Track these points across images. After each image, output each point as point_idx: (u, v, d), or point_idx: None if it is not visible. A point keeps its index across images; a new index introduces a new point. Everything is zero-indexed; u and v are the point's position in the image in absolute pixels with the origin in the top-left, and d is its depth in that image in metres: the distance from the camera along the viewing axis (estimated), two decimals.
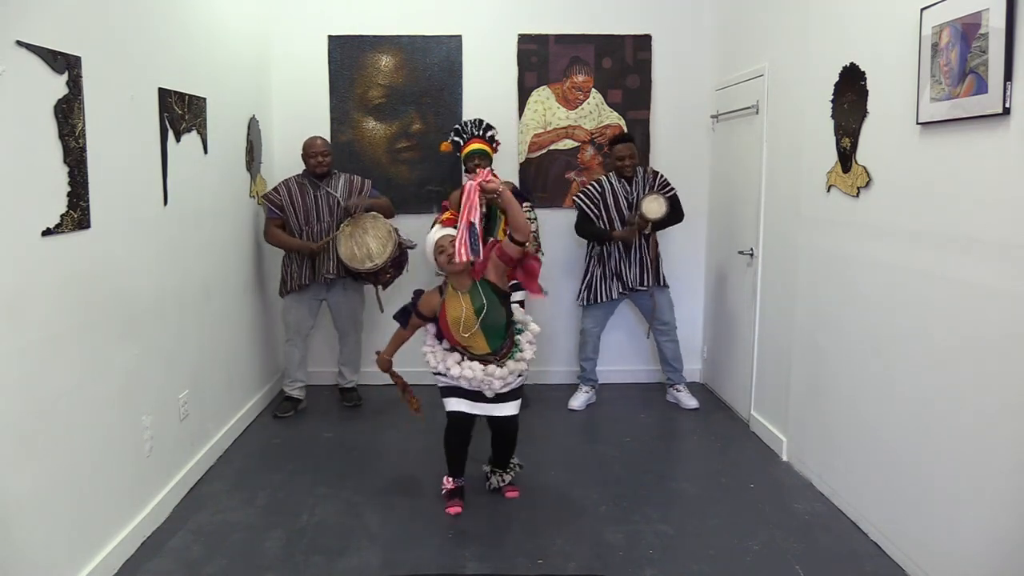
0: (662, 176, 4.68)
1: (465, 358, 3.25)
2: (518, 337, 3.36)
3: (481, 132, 4.47)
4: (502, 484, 3.53)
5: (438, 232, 3.29)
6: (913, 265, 2.83)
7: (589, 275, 4.74)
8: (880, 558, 2.97)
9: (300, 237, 4.50)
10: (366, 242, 4.40)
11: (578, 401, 4.82)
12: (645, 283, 4.64)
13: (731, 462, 3.96)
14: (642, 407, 4.86)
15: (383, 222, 4.46)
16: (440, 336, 3.34)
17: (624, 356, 5.33)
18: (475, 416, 3.36)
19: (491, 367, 3.22)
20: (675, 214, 4.59)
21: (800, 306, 3.78)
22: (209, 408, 3.85)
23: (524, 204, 4.61)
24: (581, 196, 4.68)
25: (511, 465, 3.55)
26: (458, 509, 3.37)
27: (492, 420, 3.38)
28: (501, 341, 3.25)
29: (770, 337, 4.19)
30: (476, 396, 3.31)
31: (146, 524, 3.10)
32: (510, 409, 3.36)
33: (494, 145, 4.52)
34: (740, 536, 3.14)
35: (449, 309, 3.22)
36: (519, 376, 3.35)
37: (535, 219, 4.78)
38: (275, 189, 4.55)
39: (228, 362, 4.17)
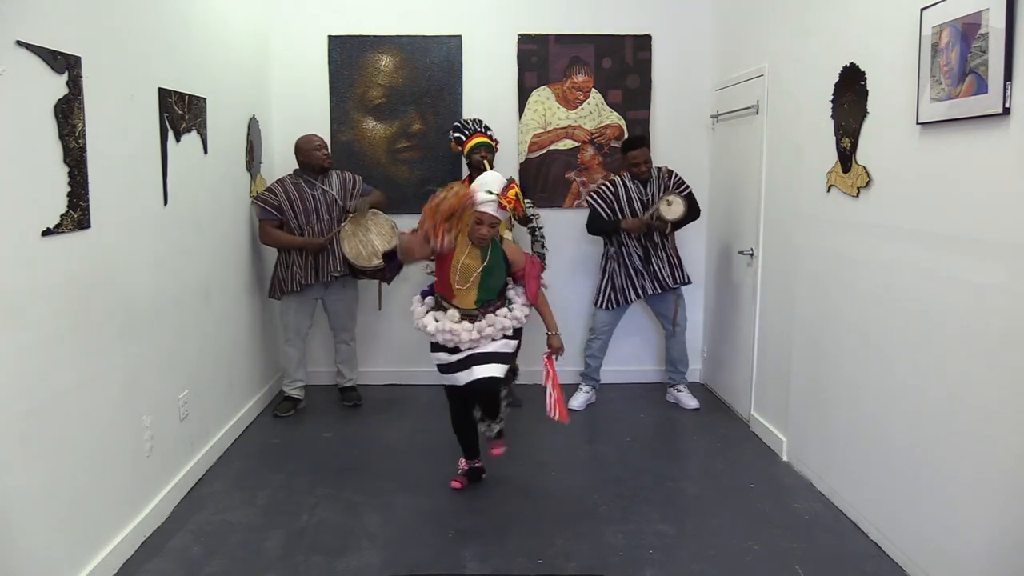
0: (677, 175, 4.66)
1: (443, 314, 3.29)
2: (510, 293, 3.40)
3: (483, 128, 4.63)
4: (490, 435, 3.44)
5: (484, 200, 3.22)
6: (913, 265, 2.83)
7: (608, 276, 4.68)
8: (880, 558, 2.97)
9: (301, 236, 4.47)
10: (370, 240, 4.42)
11: (578, 401, 4.82)
12: (677, 280, 4.63)
13: (731, 462, 3.96)
14: (642, 407, 4.85)
15: (384, 218, 4.47)
16: (426, 293, 3.43)
17: (624, 356, 5.32)
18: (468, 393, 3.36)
19: (464, 323, 3.25)
20: (692, 212, 4.58)
21: (800, 306, 3.78)
22: (209, 408, 3.85)
23: (524, 200, 4.64)
24: (594, 196, 4.66)
25: (500, 417, 3.42)
26: (458, 485, 3.55)
27: (473, 386, 3.30)
28: (488, 299, 3.30)
29: (770, 337, 4.19)
30: (452, 368, 3.31)
31: (146, 524, 3.10)
32: (487, 371, 3.26)
33: (495, 142, 4.64)
34: (740, 536, 3.14)
35: (459, 253, 3.24)
36: (504, 339, 3.32)
37: (538, 215, 4.77)
38: (269, 190, 4.47)
39: (228, 362, 4.17)
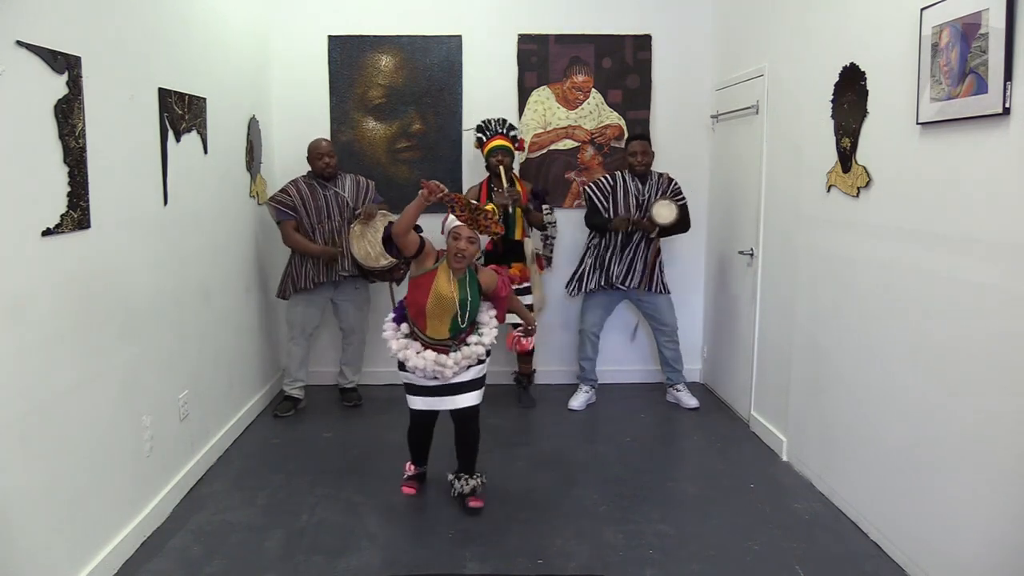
0: (676, 184, 4.66)
1: (422, 348, 3.23)
2: (480, 317, 3.35)
3: (504, 130, 4.63)
4: (464, 491, 3.40)
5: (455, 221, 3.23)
6: (913, 265, 2.83)
7: (582, 265, 4.74)
8: (880, 558, 2.97)
9: (312, 236, 4.50)
10: (378, 240, 4.42)
11: (578, 401, 4.82)
12: (628, 283, 4.61)
13: (731, 462, 3.96)
14: (642, 407, 4.85)
15: (392, 219, 4.47)
16: (399, 320, 3.32)
17: (624, 356, 5.32)
18: (436, 412, 3.38)
19: (442, 356, 3.20)
20: (682, 223, 4.57)
21: (800, 306, 3.78)
22: (209, 408, 3.85)
23: (543, 206, 4.63)
24: (592, 187, 4.67)
25: (476, 474, 3.44)
26: (411, 491, 3.57)
27: (453, 413, 3.35)
28: (460, 331, 3.24)
29: (770, 337, 4.19)
30: (434, 391, 3.29)
31: (146, 524, 3.10)
32: (468, 400, 3.31)
33: (516, 144, 4.65)
34: (740, 536, 3.14)
35: (438, 282, 3.18)
36: (479, 364, 3.31)
37: (554, 223, 4.76)
38: (283, 191, 4.51)
39: (228, 362, 4.17)
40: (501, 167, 4.47)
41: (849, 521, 3.25)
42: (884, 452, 3.02)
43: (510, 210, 4.51)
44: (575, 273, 4.76)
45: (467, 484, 3.40)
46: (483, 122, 4.70)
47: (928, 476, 2.74)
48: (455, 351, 3.22)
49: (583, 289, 4.69)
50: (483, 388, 3.39)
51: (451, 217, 3.23)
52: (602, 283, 4.64)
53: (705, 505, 3.44)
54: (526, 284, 4.67)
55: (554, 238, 4.80)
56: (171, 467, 3.39)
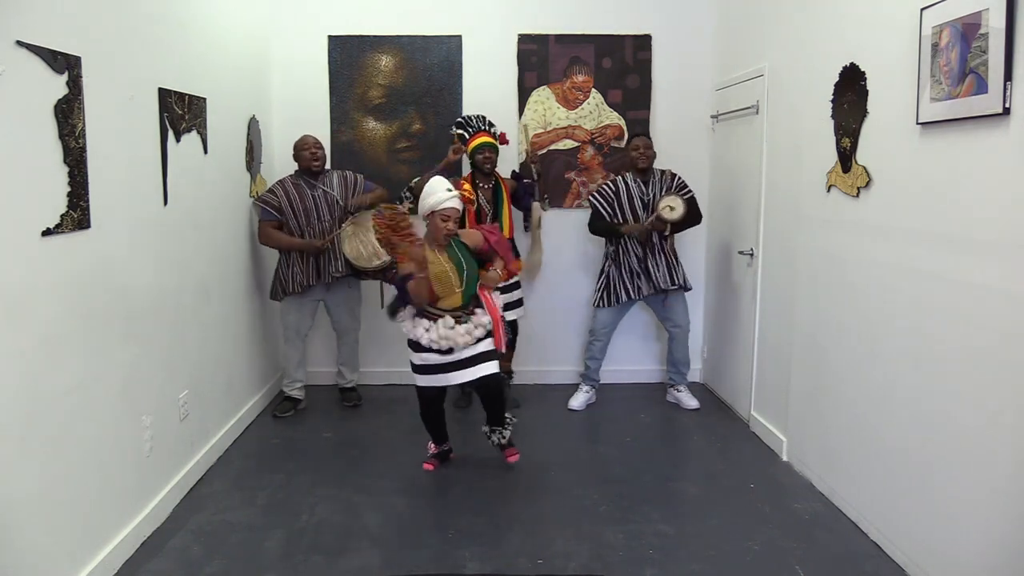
0: (679, 178, 4.64)
1: (432, 324, 3.45)
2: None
3: (487, 127, 4.62)
4: (502, 442, 3.71)
5: (445, 199, 3.44)
6: (913, 265, 2.83)
7: (605, 276, 4.68)
8: (880, 558, 2.97)
9: (302, 237, 4.45)
10: (371, 240, 4.39)
11: (578, 401, 4.82)
12: (675, 282, 4.60)
13: (731, 462, 3.96)
14: (642, 407, 4.85)
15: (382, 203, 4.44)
16: (404, 302, 3.56)
17: (624, 356, 5.32)
18: (443, 389, 3.59)
19: (458, 327, 3.43)
20: (692, 216, 4.56)
21: (800, 306, 3.78)
22: (209, 408, 3.85)
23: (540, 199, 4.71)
24: (596, 195, 4.66)
25: (507, 421, 3.70)
26: (431, 467, 3.78)
27: (477, 388, 3.57)
28: (472, 296, 3.48)
29: (770, 337, 4.19)
30: (443, 368, 3.48)
31: (146, 524, 3.10)
32: (487, 369, 3.51)
33: (499, 139, 4.63)
34: (740, 536, 3.14)
35: (432, 265, 3.45)
36: (489, 336, 3.50)
37: (545, 210, 4.80)
38: (270, 191, 4.47)
39: (228, 362, 4.16)
40: (488, 164, 4.49)
41: (849, 521, 3.25)
42: (884, 452, 3.02)
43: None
44: (601, 285, 4.69)
45: (503, 436, 3.70)
46: (462, 118, 4.67)
47: (928, 476, 2.74)
48: (465, 322, 3.44)
49: (618, 302, 4.63)
50: (496, 359, 3.55)
51: (433, 199, 3.43)
52: (652, 291, 4.58)
53: (705, 505, 3.44)
54: (515, 279, 4.59)
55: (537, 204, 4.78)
56: (171, 467, 3.39)
